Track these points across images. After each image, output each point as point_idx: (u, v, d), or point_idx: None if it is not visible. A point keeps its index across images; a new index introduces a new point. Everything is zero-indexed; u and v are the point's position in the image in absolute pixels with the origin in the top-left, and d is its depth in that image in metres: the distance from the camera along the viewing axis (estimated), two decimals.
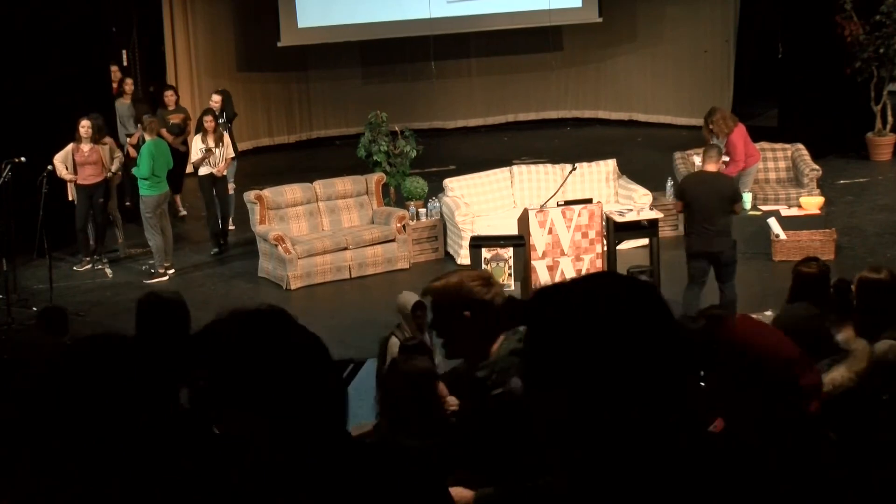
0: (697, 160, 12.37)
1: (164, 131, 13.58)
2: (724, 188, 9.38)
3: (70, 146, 12.09)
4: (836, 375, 4.74)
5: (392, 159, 13.12)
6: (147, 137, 12.21)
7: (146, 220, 12.10)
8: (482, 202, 12.53)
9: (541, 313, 1.67)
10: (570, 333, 1.63)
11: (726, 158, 11.87)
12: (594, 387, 1.60)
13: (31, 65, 12.80)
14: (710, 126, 11.73)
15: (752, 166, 12.09)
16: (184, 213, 14.33)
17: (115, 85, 14.43)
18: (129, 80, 14.41)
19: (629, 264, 10.36)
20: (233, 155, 13.10)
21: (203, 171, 12.77)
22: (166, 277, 12.04)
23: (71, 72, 13.25)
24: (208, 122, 12.82)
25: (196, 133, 13.23)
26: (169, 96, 14.35)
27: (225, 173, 12.93)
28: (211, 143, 12.71)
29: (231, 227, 13.43)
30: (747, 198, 11.71)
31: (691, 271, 9.39)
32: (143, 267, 12.39)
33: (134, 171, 12.27)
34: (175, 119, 14.19)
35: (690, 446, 1.63)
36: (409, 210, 12.53)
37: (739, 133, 11.86)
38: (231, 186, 13.31)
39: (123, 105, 14.19)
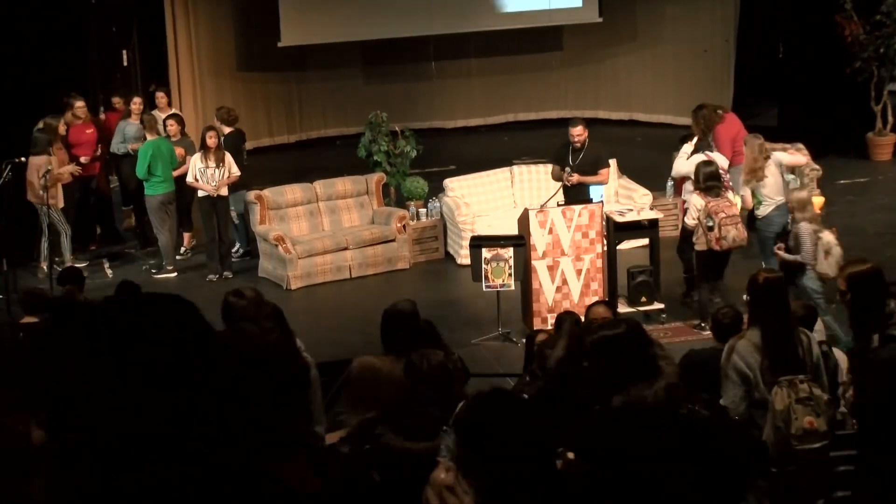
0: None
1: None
2: None
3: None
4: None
5: (392, 159, 13.12)
6: (148, 136, 12.20)
7: (151, 219, 12.25)
8: (482, 202, 12.54)
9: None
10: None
11: (719, 157, 11.71)
12: None
13: (31, 64, 12.80)
14: (698, 120, 11.73)
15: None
16: (184, 253, 12.83)
17: (119, 106, 13.29)
18: (136, 99, 13.06)
19: (629, 264, 10.37)
20: (237, 173, 11.94)
21: (201, 192, 11.90)
22: (174, 274, 12.08)
23: (71, 72, 13.25)
24: (211, 138, 11.81)
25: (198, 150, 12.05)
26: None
27: (224, 193, 11.92)
28: (211, 163, 11.78)
29: (235, 257, 12.47)
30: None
31: None
32: (144, 267, 12.40)
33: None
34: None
35: None
36: (409, 210, 12.53)
37: (726, 128, 11.55)
38: (234, 213, 12.29)
39: (132, 125, 12.79)
